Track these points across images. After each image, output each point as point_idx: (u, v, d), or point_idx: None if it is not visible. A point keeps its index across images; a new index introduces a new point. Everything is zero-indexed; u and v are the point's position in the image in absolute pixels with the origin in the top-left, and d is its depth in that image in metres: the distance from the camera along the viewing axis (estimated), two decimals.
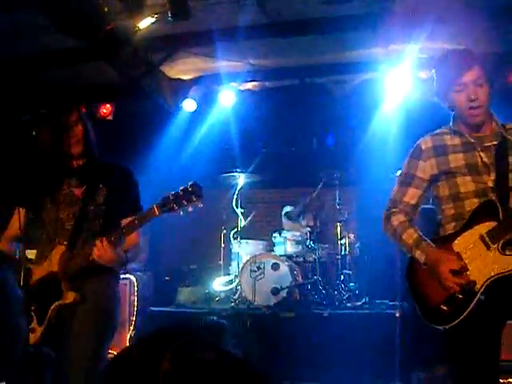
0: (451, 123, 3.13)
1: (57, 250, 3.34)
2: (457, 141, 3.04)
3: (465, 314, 2.81)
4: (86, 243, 3.32)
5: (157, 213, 3.17)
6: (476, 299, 2.80)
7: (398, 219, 3.15)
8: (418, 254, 3.01)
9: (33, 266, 3.39)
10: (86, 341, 3.26)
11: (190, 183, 3.15)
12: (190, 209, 3.15)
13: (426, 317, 2.97)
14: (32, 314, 3.26)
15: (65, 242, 3.35)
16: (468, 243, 2.88)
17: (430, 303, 2.95)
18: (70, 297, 3.28)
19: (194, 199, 3.12)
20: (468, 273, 2.84)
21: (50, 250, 3.36)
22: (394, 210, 3.17)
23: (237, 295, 7.53)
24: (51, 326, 3.28)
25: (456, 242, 2.93)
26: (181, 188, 3.15)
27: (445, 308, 2.87)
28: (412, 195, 3.14)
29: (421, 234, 3.07)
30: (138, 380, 0.98)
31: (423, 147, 3.13)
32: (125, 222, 3.35)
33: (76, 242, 3.36)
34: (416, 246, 3.02)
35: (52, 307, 3.27)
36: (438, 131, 3.16)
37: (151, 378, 0.97)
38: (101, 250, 3.18)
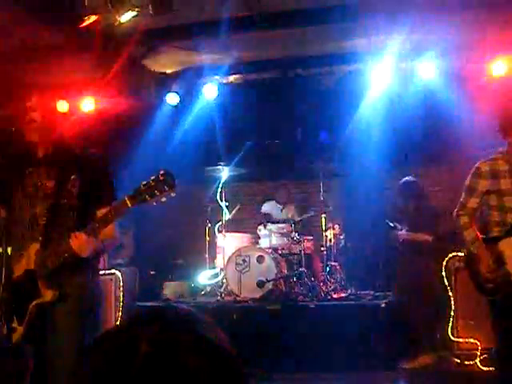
0: (506, 149, 4.24)
1: (32, 247, 3.27)
2: (507, 167, 4.20)
3: (502, 293, 4.17)
4: (61, 239, 3.25)
5: (129, 204, 3.08)
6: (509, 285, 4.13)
7: (463, 220, 4.37)
8: (472, 248, 4.31)
9: (11, 264, 3.31)
10: (69, 339, 3.21)
11: (161, 172, 3.04)
12: (164, 199, 3.06)
13: (480, 290, 4.35)
14: (12, 313, 3.21)
15: (40, 238, 3.28)
16: (508, 245, 4.17)
17: (482, 280, 4.28)
18: (49, 295, 3.22)
19: (167, 189, 3.03)
20: (506, 265, 4.14)
21: (26, 248, 3.29)
22: (461, 212, 4.37)
23: (222, 288, 7.53)
24: (31, 325, 3.22)
25: (500, 243, 4.20)
26: (152, 177, 3.04)
27: (490, 285, 4.23)
28: (473, 202, 4.33)
29: (477, 233, 4.30)
30: (114, 367, 1.00)
31: (482, 169, 4.26)
32: (99, 214, 3.28)
33: (50, 237, 3.29)
34: (472, 242, 4.31)
35: (31, 306, 3.21)
36: (493, 157, 4.28)
37: (129, 364, 0.99)
38: (79, 243, 3.12)
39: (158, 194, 3.04)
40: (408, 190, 7.26)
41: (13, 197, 3.38)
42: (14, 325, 3.21)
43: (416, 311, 6.51)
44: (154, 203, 3.08)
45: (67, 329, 3.24)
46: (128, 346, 1.00)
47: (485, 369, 5.86)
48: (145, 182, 3.05)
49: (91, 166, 3.49)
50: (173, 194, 3.07)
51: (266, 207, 8.88)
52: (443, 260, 6.35)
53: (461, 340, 6.16)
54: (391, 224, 7.14)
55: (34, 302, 3.22)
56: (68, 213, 3.34)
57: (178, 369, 0.98)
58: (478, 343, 6.01)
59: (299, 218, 8.30)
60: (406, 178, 7.40)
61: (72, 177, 3.36)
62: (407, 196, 7.24)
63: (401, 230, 7.12)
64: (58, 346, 3.21)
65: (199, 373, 0.98)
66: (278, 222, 8.27)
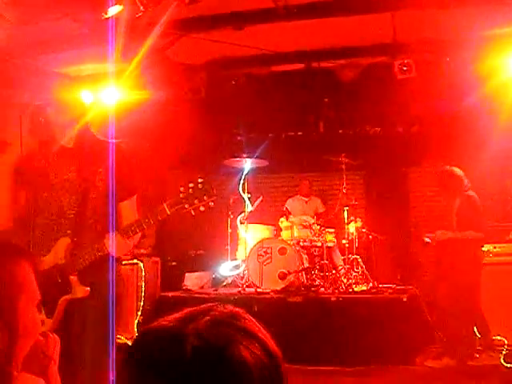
0: None
1: (61, 241, 3.24)
2: None
3: None
4: (93, 234, 3.24)
5: (168, 212, 3.06)
6: None
7: None
8: None
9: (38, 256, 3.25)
10: (100, 333, 3.20)
11: (199, 180, 3.02)
12: (202, 208, 3.03)
13: None
14: (40, 306, 3.21)
15: (68, 231, 3.25)
16: None
17: None
18: (80, 291, 3.20)
19: (206, 198, 3.01)
20: None
21: (54, 240, 3.25)
22: None
23: (244, 280, 7.55)
24: (60, 319, 3.21)
25: None
26: (190, 185, 3.02)
27: None
28: None
29: None
30: (162, 361, 1.02)
31: None
32: (136, 219, 3.23)
33: (80, 231, 3.26)
34: None
35: (61, 301, 3.19)
36: None
37: (177, 357, 1.01)
38: (114, 244, 3.12)
39: (197, 203, 3.01)
40: (451, 183, 6.31)
41: (36, 187, 3.35)
42: (42, 317, 3.20)
43: (455, 312, 6.02)
44: (193, 212, 3.04)
45: (99, 324, 3.21)
46: (175, 340, 1.02)
47: (508, 365, 5.80)
48: (182, 189, 3.02)
49: (116, 159, 3.42)
50: (211, 204, 3.04)
51: (290, 203, 8.89)
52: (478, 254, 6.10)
53: None
54: (427, 239, 6.56)
55: (63, 298, 3.20)
56: (96, 205, 3.31)
57: (226, 361, 1.00)
58: (505, 340, 5.93)
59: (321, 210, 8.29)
60: (445, 168, 6.45)
61: (99, 170, 3.34)
62: (450, 190, 6.36)
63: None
64: (88, 341, 3.20)
65: (247, 365, 1.02)
66: (299, 215, 8.28)
